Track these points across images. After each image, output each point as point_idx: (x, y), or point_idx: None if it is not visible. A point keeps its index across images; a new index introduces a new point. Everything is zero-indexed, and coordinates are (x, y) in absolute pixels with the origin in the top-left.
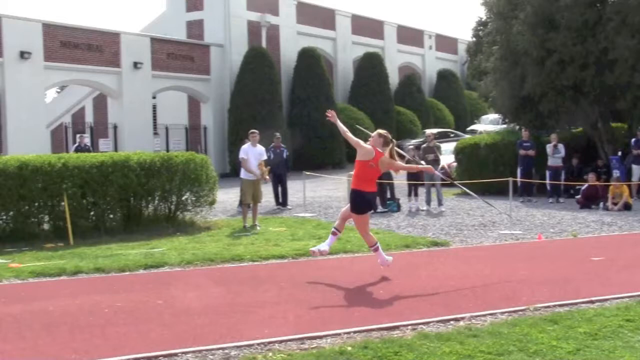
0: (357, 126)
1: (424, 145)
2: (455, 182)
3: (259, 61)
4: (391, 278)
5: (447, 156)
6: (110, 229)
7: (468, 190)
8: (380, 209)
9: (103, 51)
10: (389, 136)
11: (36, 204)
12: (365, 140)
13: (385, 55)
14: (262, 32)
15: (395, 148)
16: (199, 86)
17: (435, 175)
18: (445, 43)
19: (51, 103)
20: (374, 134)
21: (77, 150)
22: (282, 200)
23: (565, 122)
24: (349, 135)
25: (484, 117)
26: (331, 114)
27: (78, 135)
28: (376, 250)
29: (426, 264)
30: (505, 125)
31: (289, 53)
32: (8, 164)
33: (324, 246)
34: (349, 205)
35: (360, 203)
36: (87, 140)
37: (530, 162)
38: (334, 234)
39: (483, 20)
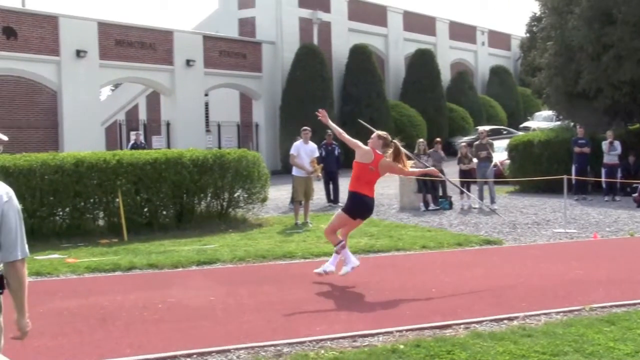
0: (360, 120)
1: (477, 142)
2: (447, 178)
3: (310, 58)
4: (444, 276)
5: (500, 153)
6: (163, 225)
7: (465, 191)
8: (432, 206)
9: (156, 49)
10: (389, 138)
11: (91, 200)
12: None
13: (437, 51)
14: (314, 29)
15: (403, 150)
16: (250, 83)
17: (488, 172)
18: (498, 39)
19: (105, 101)
20: (373, 135)
21: (133, 147)
22: (333, 197)
23: (621, 119)
24: (345, 136)
25: (537, 114)
26: (322, 114)
27: (134, 133)
28: (343, 247)
29: (479, 262)
30: (559, 122)
31: (340, 50)
32: (64, 161)
33: (329, 266)
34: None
35: (360, 207)
36: (142, 137)
37: (585, 160)
38: (337, 252)
39: (537, 15)
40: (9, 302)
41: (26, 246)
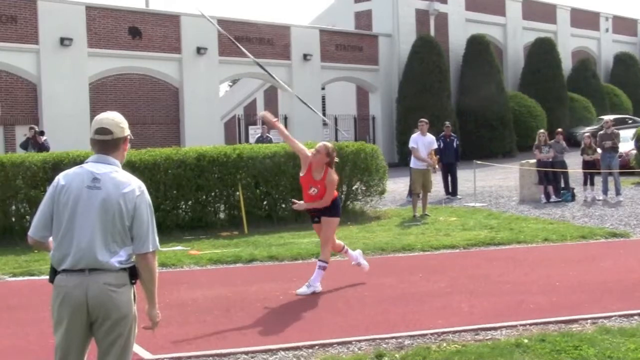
0: (297, 96)
1: (601, 132)
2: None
3: (427, 50)
4: (568, 270)
5: (626, 143)
6: (282, 218)
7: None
8: (553, 198)
9: (274, 44)
10: (334, 154)
11: (212, 193)
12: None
13: (557, 40)
14: (431, 20)
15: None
16: (367, 76)
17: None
18: (624, 25)
19: (224, 96)
20: (316, 150)
21: (258, 141)
22: (451, 190)
23: None
24: (331, 188)
25: None
26: (296, 204)
27: (257, 127)
28: (323, 269)
29: (605, 255)
30: None
31: (457, 41)
32: (187, 155)
33: (317, 286)
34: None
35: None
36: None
37: None
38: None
39: None
40: (140, 292)
41: (157, 239)
